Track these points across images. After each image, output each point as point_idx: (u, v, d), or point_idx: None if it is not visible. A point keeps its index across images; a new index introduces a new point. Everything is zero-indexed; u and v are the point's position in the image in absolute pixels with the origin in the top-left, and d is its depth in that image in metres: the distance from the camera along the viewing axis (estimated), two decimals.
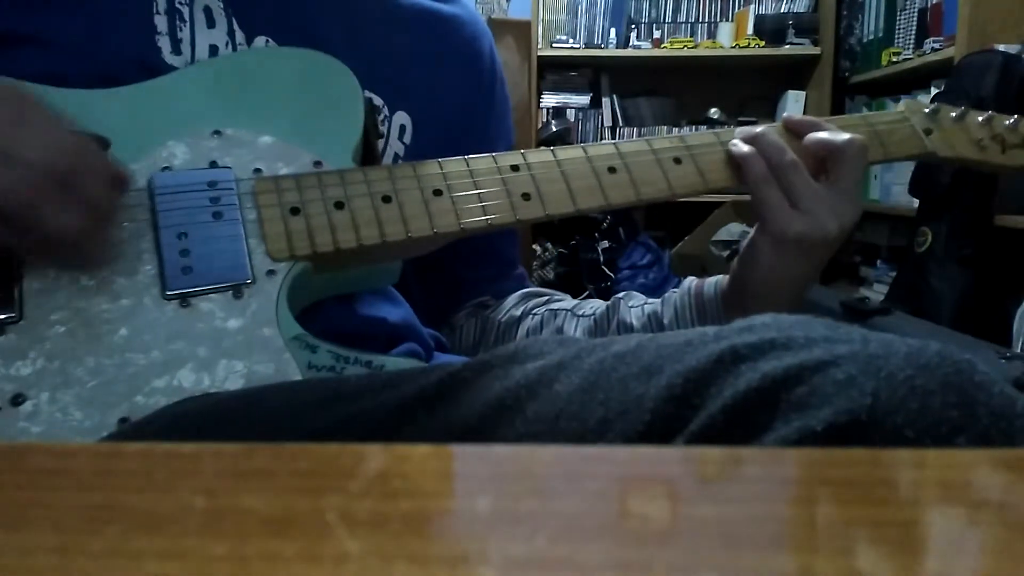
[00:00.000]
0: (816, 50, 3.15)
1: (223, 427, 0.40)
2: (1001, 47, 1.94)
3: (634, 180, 0.63)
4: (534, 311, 0.73)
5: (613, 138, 3.21)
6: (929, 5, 2.52)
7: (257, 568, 0.16)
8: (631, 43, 3.27)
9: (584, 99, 3.36)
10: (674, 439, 0.30)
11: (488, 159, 0.61)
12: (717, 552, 0.16)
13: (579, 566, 0.16)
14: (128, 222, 0.52)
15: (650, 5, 3.36)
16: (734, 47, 3.21)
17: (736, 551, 0.16)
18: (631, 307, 0.69)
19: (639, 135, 3.29)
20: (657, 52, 3.22)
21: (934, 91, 2.31)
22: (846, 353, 0.29)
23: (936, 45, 2.39)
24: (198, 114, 0.58)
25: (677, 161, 0.64)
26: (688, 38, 3.28)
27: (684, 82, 3.39)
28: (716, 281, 0.67)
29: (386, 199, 0.57)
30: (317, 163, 0.58)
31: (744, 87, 3.37)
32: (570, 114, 3.35)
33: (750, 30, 3.21)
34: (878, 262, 2.72)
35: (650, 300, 0.69)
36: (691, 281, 0.68)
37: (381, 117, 0.67)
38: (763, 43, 3.16)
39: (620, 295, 0.71)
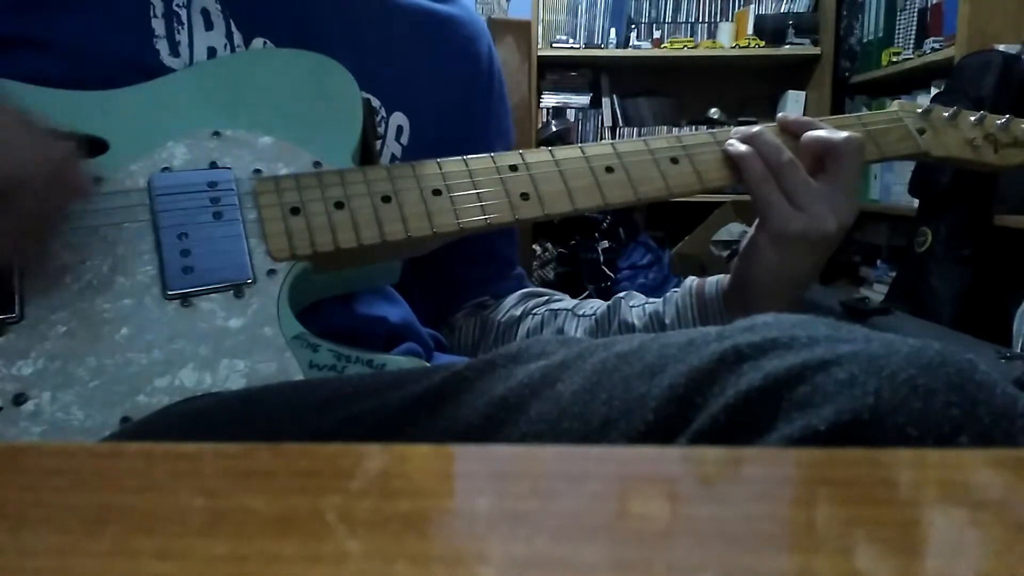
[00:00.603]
0: (816, 50, 3.15)
1: (225, 427, 0.40)
2: (1001, 47, 1.94)
3: (632, 180, 0.63)
4: (534, 311, 0.73)
5: (613, 138, 3.21)
6: (929, 5, 2.52)
7: (257, 568, 0.16)
8: (631, 43, 3.27)
9: (584, 99, 3.36)
10: (677, 439, 0.30)
11: (487, 159, 0.61)
12: (717, 552, 0.16)
13: (579, 566, 0.16)
14: (128, 223, 0.52)
15: (650, 5, 3.36)
16: (734, 47, 3.21)
17: (736, 551, 0.16)
18: (632, 307, 0.69)
19: (639, 135, 3.29)
20: (657, 52, 3.22)
21: (934, 91, 2.31)
22: (848, 352, 0.29)
23: (936, 45, 2.39)
24: (197, 115, 0.58)
25: (674, 161, 0.65)
26: (688, 38, 3.28)
27: (684, 82, 3.39)
28: (717, 280, 0.67)
29: (386, 199, 0.57)
30: (316, 163, 0.58)
31: (744, 87, 3.37)
32: (570, 114, 3.35)
33: (750, 30, 3.21)
34: (878, 262, 2.72)
35: (651, 300, 0.69)
36: (692, 280, 0.68)
37: (379, 118, 0.67)
38: (763, 43, 3.16)
39: (621, 295, 0.71)
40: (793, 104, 3.20)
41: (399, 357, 0.54)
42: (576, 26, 3.30)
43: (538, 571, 0.16)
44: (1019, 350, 1.63)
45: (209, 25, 0.61)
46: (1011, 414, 0.27)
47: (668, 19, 3.36)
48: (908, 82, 2.61)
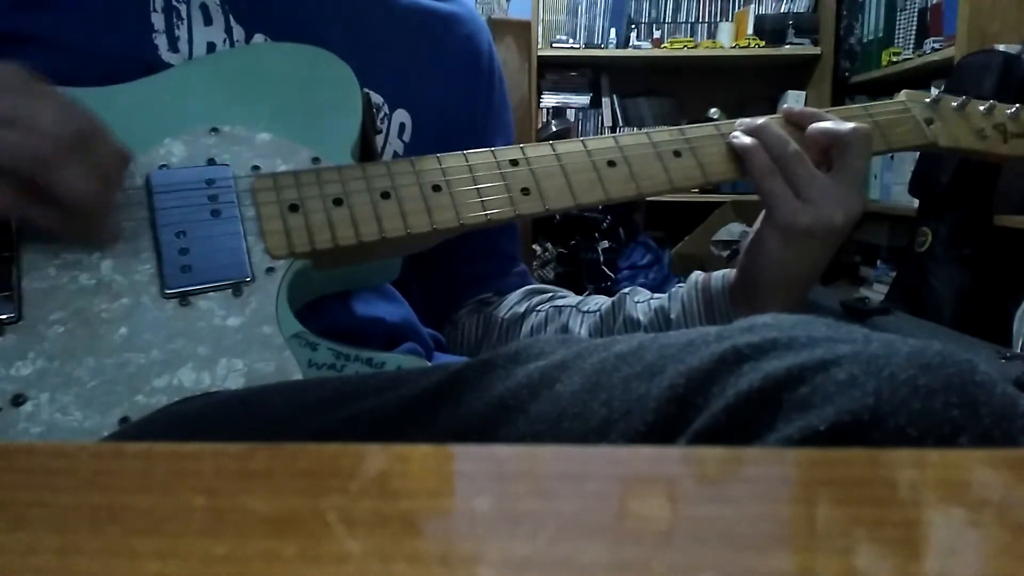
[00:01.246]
0: (816, 50, 3.14)
1: (224, 427, 0.40)
2: (1001, 47, 1.94)
3: (634, 174, 0.62)
4: (538, 308, 0.72)
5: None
6: (929, 5, 2.52)
7: (257, 568, 0.16)
8: (631, 43, 3.27)
9: (584, 99, 3.36)
10: (676, 439, 0.30)
11: (487, 153, 0.61)
12: (717, 552, 0.16)
13: (579, 566, 0.16)
14: (126, 221, 0.52)
15: (650, 5, 3.36)
16: (734, 47, 3.21)
17: (736, 551, 0.16)
18: (637, 302, 0.68)
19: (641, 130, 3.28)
20: (657, 52, 3.22)
21: (934, 91, 2.30)
22: (848, 353, 0.29)
23: (936, 45, 2.39)
24: (195, 111, 0.57)
25: (677, 154, 0.64)
26: (688, 38, 3.28)
27: (684, 82, 3.39)
28: (723, 275, 0.66)
29: (385, 195, 0.57)
30: (315, 160, 0.58)
31: (744, 87, 3.36)
32: (570, 114, 3.35)
33: (750, 30, 3.21)
34: (878, 262, 2.72)
35: (656, 295, 0.69)
36: (698, 275, 0.67)
37: (380, 115, 0.67)
38: (763, 43, 3.16)
39: (626, 290, 0.70)
40: (793, 104, 3.20)
41: (399, 355, 0.54)
42: (576, 26, 3.30)
43: (538, 571, 0.16)
44: (1019, 350, 1.63)
45: (208, 20, 0.61)
46: (1011, 415, 0.27)
47: (668, 19, 3.36)
48: (908, 82, 2.61)
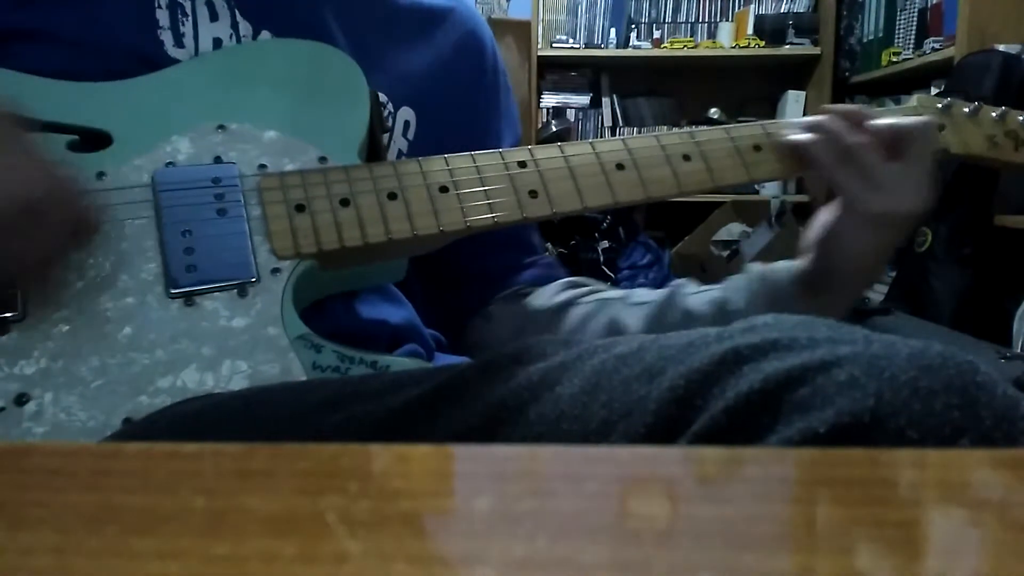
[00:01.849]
0: (816, 50, 3.14)
1: (227, 427, 0.40)
2: (1001, 47, 1.94)
3: (642, 178, 0.62)
4: (580, 300, 0.71)
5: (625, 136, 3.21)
6: (929, 5, 2.52)
7: (257, 568, 0.16)
8: (631, 43, 3.27)
9: (584, 99, 3.36)
10: (676, 441, 0.30)
11: (495, 155, 0.60)
12: (717, 552, 0.16)
13: (579, 566, 0.16)
14: (131, 219, 0.52)
15: (650, 5, 3.36)
16: (734, 47, 3.20)
17: (736, 551, 0.16)
18: (690, 294, 0.68)
19: (650, 133, 3.28)
20: (657, 52, 3.22)
21: (934, 91, 2.30)
22: (849, 354, 0.29)
23: (936, 45, 2.39)
24: (202, 108, 0.57)
25: (686, 158, 0.64)
26: (688, 38, 3.28)
27: (684, 82, 3.39)
28: (787, 267, 0.66)
29: (392, 196, 0.56)
30: (322, 159, 0.57)
31: (744, 87, 3.36)
32: (570, 114, 3.35)
33: (750, 30, 3.21)
34: None
35: (708, 287, 0.68)
36: (759, 267, 0.67)
37: (386, 113, 0.67)
38: (763, 43, 3.16)
39: (676, 282, 0.70)
40: (793, 104, 3.20)
41: (403, 359, 0.54)
42: (576, 26, 3.30)
43: (538, 571, 0.16)
44: (1019, 350, 1.63)
45: (214, 16, 0.61)
46: (1012, 416, 0.27)
47: (668, 19, 3.36)
48: (908, 82, 2.61)
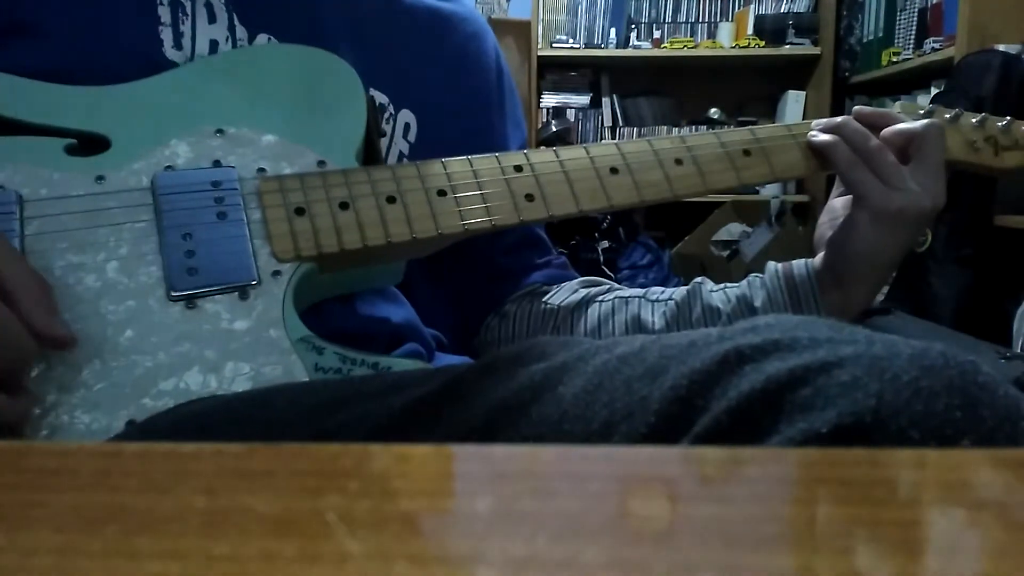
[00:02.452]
0: (816, 50, 3.15)
1: (229, 429, 0.40)
2: (1001, 47, 1.94)
3: (636, 182, 0.63)
4: (599, 298, 0.72)
5: (613, 138, 3.22)
6: (929, 5, 2.52)
7: (257, 568, 0.16)
8: (631, 43, 3.27)
9: (584, 99, 3.36)
10: (678, 441, 0.30)
11: (492, 159, 0.61)
12: (717, 552, 0.16)
13: (579, 566, 0.16)
14: (131, 223, 0.52)
15: (650, 5, 3.36)
16: (734, 47, 3.21)
17: (736, 551, 0.16)
18: (712, 291, 0.69)
19: (639, 135, 3.29)
20: (657, 52, 3.22)
21: (934, 91, 2.30)
22: (850, 354, 0.29)
23: (936, 45, 2.39)
24: (201, 113, 0.57)
25: (679, 162, 0.65)
26: (688, 38, 3.28)
27: (684, 82, 3.39)
28: (807, 263, 0.67)
29: (390, 200, 0.57)
30: (321, 163, 0.58)
31: (744, 87, 3.37)
32: (570, 114, 3.35)
33: (750, 30, 3.21)
34: None
35: (729, 284, 0.69)
36: (776, 265, 0.68)
37: (386, 115, 0.67)
38: (763, 43, 3.16)
39: (698, 279, 0.70)
40: (793, 104, 3.20)
41: (404, 360, 0.54)
42: (576, 26, 3.30)
43: (538, 571, 0.16)
44: (1019, 350, 1.63)
45: (212, 18, 0.61)
46: (1014, 417, 0.27)
47: (668, 19, 3.37)
48: (908, 82, 2.61)
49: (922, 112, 0.74)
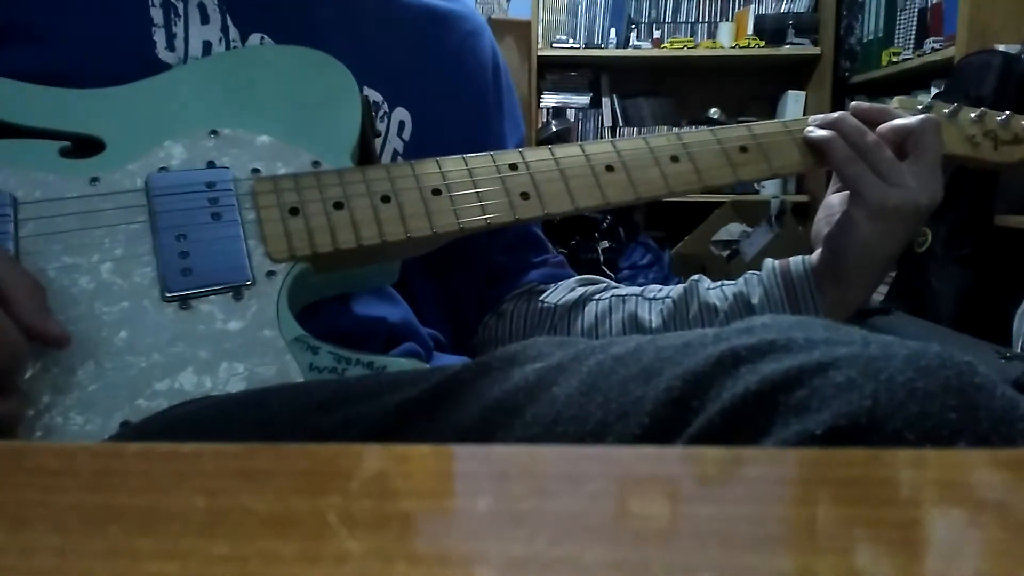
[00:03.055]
0: (816, 50, 3.15)
1: (224, 429, 0.40)
2: (1001, 47, 1.94)
3: (632, 179, 0.63)
4: (596, 297, 0.72)
5: (613, 138, 3.21)
6: (929, 5, 2.52)
7: (257, 568, 0.16)
8: (631, 43, 3.27)
9: (584, 99, 3.36)
10: (673, 442, 0.30)
11: (486, 158, 0.61)
12: (717, 552, 0.16)
13: (579, 566, 0.16)
14: (126, 224, 0.52)
15: (650, 5, 3.36)
16: (734, 47, 3.21)
17: (736, 551, 0.16)
18: (709, 289, 0.69)
19: (639, 135, 3.28)
20: (657, 52, 3.22)
21: (934, 91, 2.31)
22: (845, 355, 0.29)
23: (936, 45, 2.39)
24: (195, 114, 0.57)
25: (674, 159, 0.65)
26: (688, 38, 3.28)
27: (684, 82, 3.39)
28: (803, 260, 0.67)
29: (385, 199, 0.57)
30: (315, 163, 0.58)
31: (744, 87, 3.37)
32: (570, 114, 3.35)
33: (750, 30, 3.21)
34: None
35: (726, 282, 0.69)
36: (773, 263, 0.68)
37: (380, 114, 0.67)
38: (763, 43, 3.16)
39: (694, 277, 0.70)
40: (793, 104, 3.20)
41: (400, 359, 0.54)
42: (576, 26, 3.30)
43: (538, 571, 0.16)
44: (1019, 350, 1.63)
45: (205, 19, 0.61)
46: (1010, 418, 0.27)
47: (668, 19, 3.36)
48: (908, 82, 2.61)
49: (920, 107, 0.74)
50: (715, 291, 0.69)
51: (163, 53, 0.59)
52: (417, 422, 0.37)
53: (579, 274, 0.78)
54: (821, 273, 0.66)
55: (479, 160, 0.61)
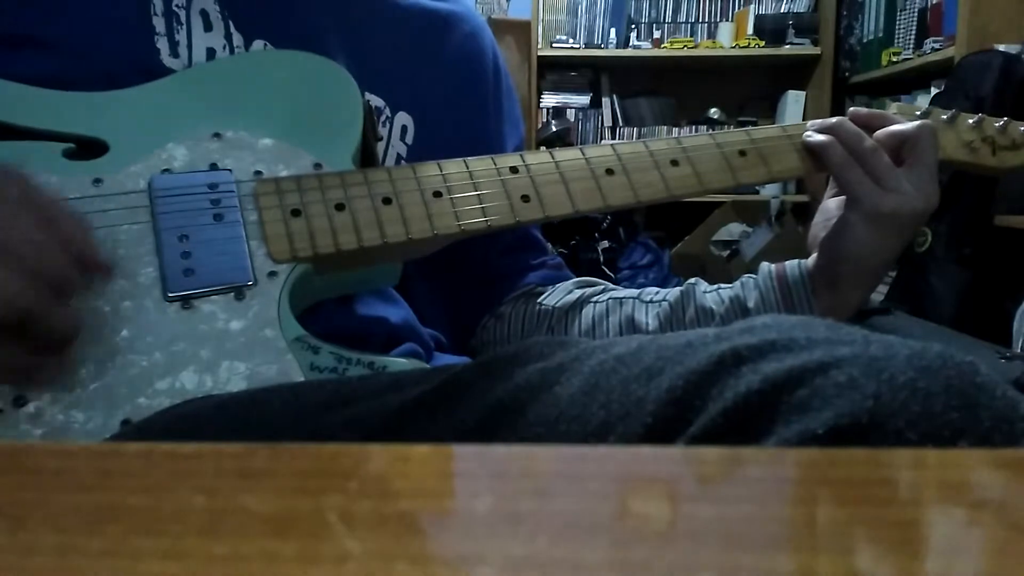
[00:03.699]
0: (816, 50, 3.15)
1: (225, 429, 0.40)
2: (1001, 47, 1.94)
3: (632, 182, 0.63)
4: (593, 299, 0.72)
5: (613, 138, 3.22)
6: (929, 5, 2.52)
7: (257, 568, 0.16)
8: (631, 43, 3.27)
9: (584, 99, 3.36)
10: (675, 442, 0.30)
11: (487, 160, 0.61)
12: (717, 552, 0.16)
13: (579, 566, 0.16)
14: (128, 225, 0.52)
15: (650, 5, 3.36)
16: (734, 47, 3.21)
17: (736, 551, 0.16)
18: (706, 292, 0.69)
19: (639, 135, 3.29)
20: (657, 52, 3.22)
21: (934, 91, 2.30)
22: (847, 355, 0.29)
23: (936, 45, 2.39)
24: (198, 116, 0.57)
25: (674, 163, 0.65)
26: (688, 38, 3.28)
27: (684, 82, 3.39)
28: (799, 264, 0.68)
29: (386, 201, 0.57)
30: (317, 165, 0.58)
31: (744, 87, 3.37)
32: (570, 114, 3.35)
33: (750, 30, 3.21)
34: None
35: (723, 285, 0.70)
36: (769, 266, 0.68)
37: (382, 118, 0.67)
38: (763, 43, 3.16)
39: (691, 280, 0.70)
40: (793, 104, 3.20)
41: (400, 359, 0.54)
42: (576, 26, 3.30)
43: (538, 571, 0.16)
44: (1019, 350, 1.63)
45: (208, 26, 0.61)
46: (1012, 417, 0.27)
47: (668, 19, 3.36)
48: (908, 82, 2.61)
49: (918, 113, 0.74)
50: (711, 294, 0.69)
51: (167, 60, 0.59)
52: (419, 422, 0.37)
53: (579, 274, 0.78)
54: (817, 277, 0.66)
55: (480, 163, 0.61)
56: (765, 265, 0.69)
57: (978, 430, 0.26)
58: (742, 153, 0.67)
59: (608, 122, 3.36)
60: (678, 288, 0.71)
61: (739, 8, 3.31)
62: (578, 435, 0.32)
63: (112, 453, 0.23)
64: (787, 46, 3.15)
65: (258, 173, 0.56)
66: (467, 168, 0.60)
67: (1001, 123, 0.75)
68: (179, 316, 0.49)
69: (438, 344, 0.69)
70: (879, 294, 2.29)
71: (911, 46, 2.61)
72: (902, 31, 2.69)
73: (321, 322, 0.55)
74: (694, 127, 3.20)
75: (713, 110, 3.28)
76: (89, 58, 0.57)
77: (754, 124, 2.83)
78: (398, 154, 0.68)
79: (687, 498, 0.19)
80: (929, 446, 0.26)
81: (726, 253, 2.96)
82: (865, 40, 2.92)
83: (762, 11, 3.26)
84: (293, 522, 0.17)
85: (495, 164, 0.61)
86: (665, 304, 0.69)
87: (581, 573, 0.16)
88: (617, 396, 0.32)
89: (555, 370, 0.35)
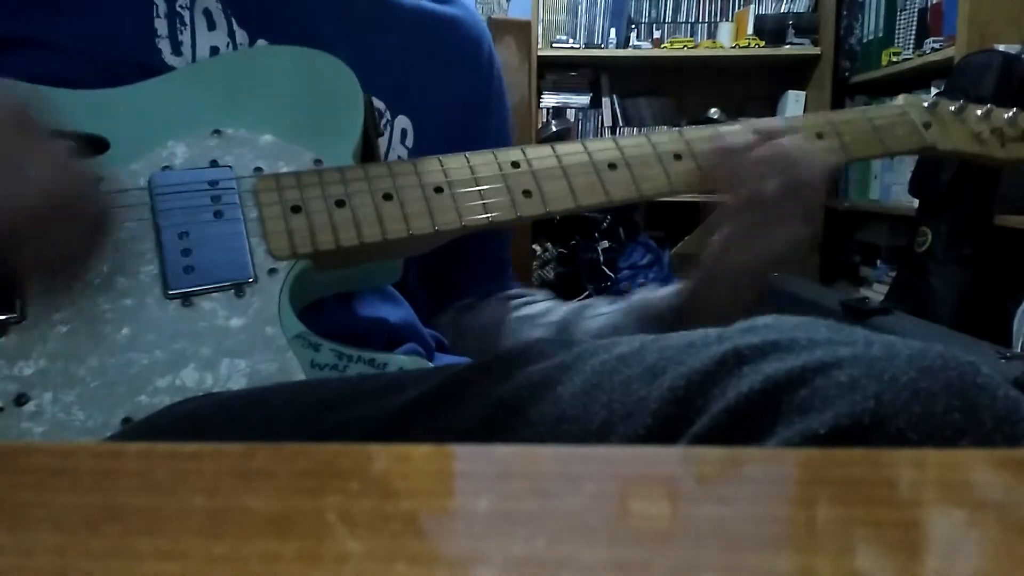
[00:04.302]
0: (816, 50, 3.14)
1: (226, 427, 0.40)
2: (1001, 47, 1.94)
3: (635, 177, 0.63)
4: (507, 317, 0.72)
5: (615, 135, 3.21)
6: (929, 5, 2.51)
7: (257, 568, 0.16)
8: (631, 43, 3.27)
9: (584, 99, 3.36)
10: (677, 441, 0.30)
11: (489, 155, 0.61)
12: (717, 552, 0.16)
13: (579, 566, 0.16)
14: (129, 222, 0.52)
15: (650, 5, 3.35)
16: (734, 47, 3.20)
17: (736, 551, 0.16)
18: (593, 316, 0.68)
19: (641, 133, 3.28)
20: (657, 52, 3.22)
21: (934, 91, 2.30)
22: (849, 355, 0.29)
23: (936, 45, 2.39)
24: (198, 113, 0.57)
25: (677, 157, 0.65)
26: (688, 38, 3.28)
27: (684, 82, 3.39)
28: (666, 294, 0.66)
29: (387, 197, 0.57)
30: (318, 161, 0.58)
31: (744, 87, 3.36)
32: (570, 114, 3.35)
33: (750, 30, 3.21)
34: (878, 262, 2.72)
35: (610, 309, 0.68)
36: (642, 293, 0.67)
37: (383, 121, 0.67)
38: (763, 43, 3.16)
39: (588, 301, 0.70)
40: (793, 104, 3.20)
41: (401, 356, 0.54)
42: (576, 26, 3.30)
43: (538, 571, 0.16)
44: (1019, 350, 1.63)
45: (212, 25, 0.61)
46: (1013, 418, 0.27)
47: (668, 19, 3.36)
48: (908, 82, 2.61)
49: (925, 104, 0.74)
50: (596, 320, 0.67)
51: (170, 58, 0.59)
52: (420, 421, 0.37)
53: (581, 274, 0.78)
54: (680, 306, 0.64)
55: (481, 158, 0.61)
56: (641, 292, 0.67)
57: (980, 430, 0.26)
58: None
59: (608, 122, 3.36)
60: (575, 305, 0.70)
61: (739, 8, 3.31)
62: (580, 435, 0.32)
63: (112, 453, 0.23)
64: (787, 46, 3.15)
65: (258, 169, 0.56)
66: (468, 163, 0.60)
67: (1011, 114, 0.74)
68: (180, 313, 0.49)
69: (439, 344, 0.69)
70: (879, 294, 2.29)
71: (911, 46, 2.61)
72: (902, 31, 2.69)
73: (322, 321, 0.55)
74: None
75: (713, 110, 3.28)
76: (91, 58, 0.57)
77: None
78: (399, 157, 0.68)
79: (687, 498, 0.19)
80: (930, 446, 0.26)
81: None
82: (865, 40, 2.92)
83: (762, 11, 3.26)
84: (293, 522, 0.17)
85: (497, 159, 0.61)
86: (552, 326, 0.69)
87: (581, 573, 0.16)
88: (619, 396, 0.32)
89: (557, 370, 0.35)
